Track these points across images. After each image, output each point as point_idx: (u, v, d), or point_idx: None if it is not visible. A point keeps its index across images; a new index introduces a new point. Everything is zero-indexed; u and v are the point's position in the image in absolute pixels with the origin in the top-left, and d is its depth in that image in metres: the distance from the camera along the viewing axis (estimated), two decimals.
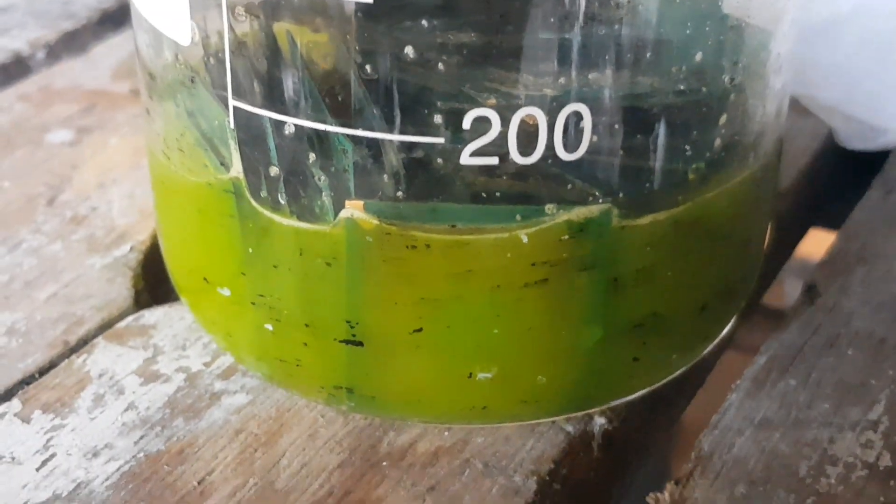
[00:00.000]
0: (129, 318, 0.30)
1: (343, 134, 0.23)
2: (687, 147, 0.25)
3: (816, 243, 0.40)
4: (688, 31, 0.24)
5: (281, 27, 0.23)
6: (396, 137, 0.23)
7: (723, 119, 0.25)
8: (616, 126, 0.24)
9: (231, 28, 0.24)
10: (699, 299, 0.27)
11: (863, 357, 0.29)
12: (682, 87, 0.24)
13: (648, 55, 0.23)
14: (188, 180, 0.27)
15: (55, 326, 0.30)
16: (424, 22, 0.22)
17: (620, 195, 0.24)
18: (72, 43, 0.44)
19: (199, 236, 0.27)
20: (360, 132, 0.23)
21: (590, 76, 0.23)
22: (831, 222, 0.39)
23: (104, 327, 0.30)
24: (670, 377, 0.28)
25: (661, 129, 0.24)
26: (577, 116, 0.23)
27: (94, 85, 0.41)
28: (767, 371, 0.29)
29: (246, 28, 0.24)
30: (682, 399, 0.31)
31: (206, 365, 0.29)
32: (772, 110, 0.27)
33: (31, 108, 0.40)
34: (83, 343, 0.29)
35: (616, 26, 0.23)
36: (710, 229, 0.26)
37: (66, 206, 0.35)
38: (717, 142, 0.25)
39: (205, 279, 0.27)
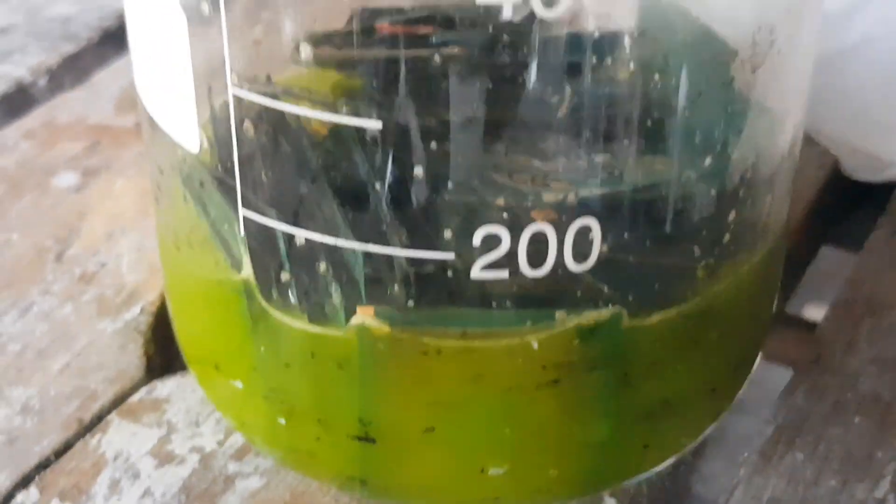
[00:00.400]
0: (142, 391, 0.31)
1: (353, 248, 0.24)
2: (696, 247, 0.25)
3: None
4: (697, 140, 0.24)
5: (290, 142, 0.23)
6: (407, 253, 0.23)
7: (732, 216, 0.25)
8: (625, 235, 0.24)
9: (240, 140, 0.24)
10: (709, 382, 0.27)
11: (869, 425, 0.29)
12: (692, 193, 0.24)
13: (659, 168, 0.23)
14: (199, 274, 0.27)
15: (69, 402, 0.30)
16: (434, 144, 0.22)
17: (630, 298, 0.24)
18: (74, 66, 0.44)
19: (210, 328, 0.27)
20: (370, 247, 0.23)
21: (599, 191, 0.23)
22: (842, 242, 0.40)
23: (117, 402, 0.30)
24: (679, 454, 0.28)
25: (671, 234, 0.24)
26: (587, 230, 0.23)
27: (97, 118, 0.41)
28: (775, 443, 0.29)
29: (255, 141, 0.24)
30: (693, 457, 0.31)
31: (220, 444, 0.29)
32: (781, 194, 0.27)
33: (36, 146, 0.39)
34: (97, 420, 0.30)
35: (626, 140, 0.23)
36: (719, 317, 0.26)
37: (74, 261, 0.35)
38: (727, 237, 0.25)
39: (216, 367, 0.28)
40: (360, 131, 0.22)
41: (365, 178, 0.23)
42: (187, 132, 0.25)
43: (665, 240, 0.24)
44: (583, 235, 0.23)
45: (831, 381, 0.31)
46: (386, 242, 0.23)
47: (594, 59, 0.22)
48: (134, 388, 0.31)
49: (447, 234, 0.23)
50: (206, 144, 0.25)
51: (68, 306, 0.33)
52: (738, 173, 0.25)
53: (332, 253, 0.24)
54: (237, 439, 0.29)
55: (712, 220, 0.25)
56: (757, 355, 0.30)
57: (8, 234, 0.36)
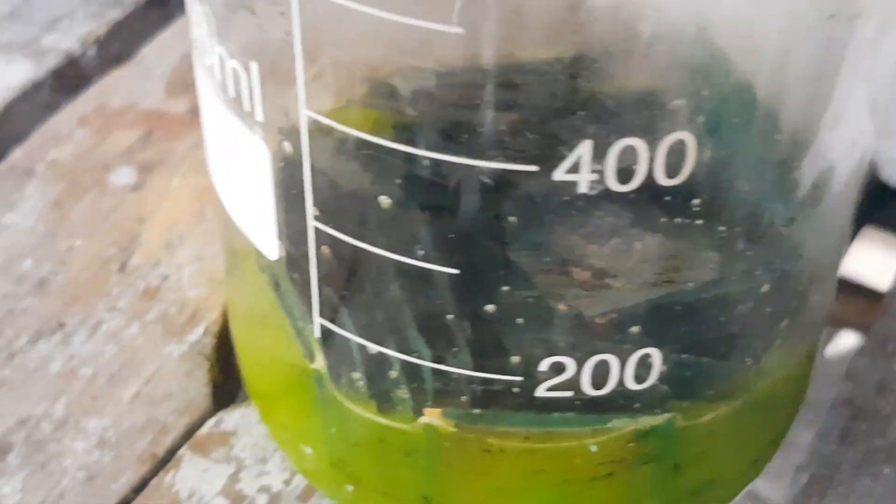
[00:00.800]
0: (210, 423, 0.32)
1: (425, 365, 0.25)
2: (749, 358, 0.26)
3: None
4: (757, 272, 0.25)
5: (367, 271, 0.24)
6: (476, 374, 0.25)
7: (784, 323, 0.26)
8: (682, 356, 0.25)
9: (319, 262, 0.25)
10: (752, 456, 0.29)
11: None
12: (751, 316, 0.25)
13: (718, 301, 0.25)
14: (271, 351, 0.28)
15: (142, 435, 0.32)
16: (506, 287, 0.24)
17: (684, 404, 0.26)
18: (121, 35, 0.44)
19: (281, 398, 0.29)
20: (441, 367, 0.25)
21: (659, 322, 0.24)
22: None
23: (188, 434, 0.32)
24: None
25: (726, 350, 0.26)
26: (647, 357, 0.25)
27: (149, 103, 0.41)
28: (808, 496, 0.31)
29: (333, 264, 0.25)
30: None
31: (286, 483, 0.31)
32: (828, 292, 0.28)
33: (92, 135, 0.40)
34: (170, 455, 0.31)
35: (690, 281, 0.24)
36: (766, 403, 0.28)
37: (137, 273, 0.36)
38: (777, 342, 0.27)
39: (285, 427, 0.29)
40: (437, 272, 0.24)
41: (440, 309, 0.24)
42: (266, 241, 0.26)
43: (721, 355, 0.26)
44: (644, 360, 0.25)
45: (862, 427, 0.32)
46: (458, 365, 0.25)
47: (663, 217, 0.23)
48: (202, 419, 0.32)
49: (515, 359, 0.24)
50: (283, 254, 0.26)
51: (134, 326, 0.34)
52: (792, 293, 0.26)
53: (404, 366, 0.25)
54: (302, 480, 0.31)
55: (766, 331, 0.26)
56: (796, 413, 0.31)
57: (71, 241, 0.37)
